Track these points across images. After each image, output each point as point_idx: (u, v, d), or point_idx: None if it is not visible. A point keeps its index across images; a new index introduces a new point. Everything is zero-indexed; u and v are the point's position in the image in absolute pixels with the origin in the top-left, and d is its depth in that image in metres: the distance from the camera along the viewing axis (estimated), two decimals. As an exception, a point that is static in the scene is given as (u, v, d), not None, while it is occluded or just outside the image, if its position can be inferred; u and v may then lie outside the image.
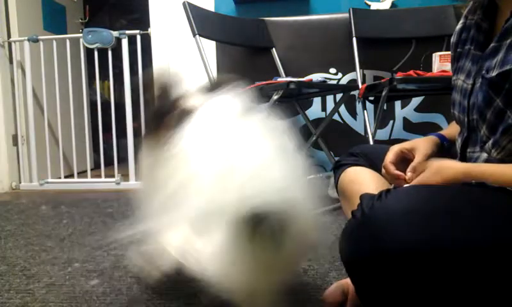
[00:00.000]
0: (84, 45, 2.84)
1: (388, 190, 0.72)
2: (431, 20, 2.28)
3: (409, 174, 0.89)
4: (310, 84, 2.05)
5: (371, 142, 1.97)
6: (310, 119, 2.29)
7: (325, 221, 1.78)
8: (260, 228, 0.63)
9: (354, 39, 2.23)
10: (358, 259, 0.72)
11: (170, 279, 1.20)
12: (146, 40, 2.78)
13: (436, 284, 0.66)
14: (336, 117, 2.38)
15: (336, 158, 1.22)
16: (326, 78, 2.32)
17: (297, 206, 0.67)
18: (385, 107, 2.27)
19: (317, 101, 2.42)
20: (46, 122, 3.00)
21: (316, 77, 2.29)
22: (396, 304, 0.71)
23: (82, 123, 3.15)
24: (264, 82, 1.85)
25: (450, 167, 0.79)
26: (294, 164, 0.67)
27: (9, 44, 2.90)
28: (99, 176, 2.94)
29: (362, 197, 0.74)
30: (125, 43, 2.79)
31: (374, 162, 1.08)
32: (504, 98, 0.75)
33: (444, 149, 0.99)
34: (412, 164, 0.91)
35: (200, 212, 0.65)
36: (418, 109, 2.37)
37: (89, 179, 2.93)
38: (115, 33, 2.79)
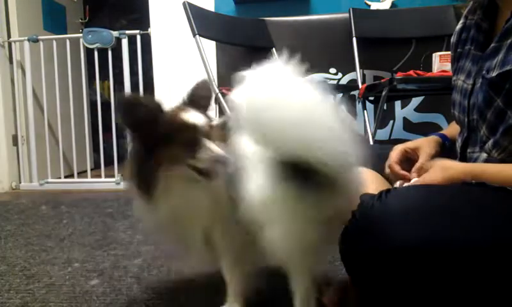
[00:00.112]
0: (84, 45, 2.84)
1: (388, 190, 0.72)
2: (431, 20, 2.28)
3: (414, 174, 0.89)
4: (310, 84, 2.05)
5: (371, 142, 1.97)
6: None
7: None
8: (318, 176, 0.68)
9: (354, 39, 2.23)
10: (358, 259, 0.72)
11: (170, 280, 1.20)
12: (146, 40, 2.78)
13: (435, 283, 0.66)
14: (336, 117, 2.38)
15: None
16: (326, 78, 2.32)
17: (350, 163, 0.71)
18: (385, 107, 2.27)
19: (317, 101, 2.42)
20: (46, 122, 3.00)
21: (316, 77, 2.30)
22: (396, 302, 0.71)
23: (82, 123, 3.15)
24: (264, 82, 1.85)
25: (451, 167, 0.79)
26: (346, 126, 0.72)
27: (9, 44, 2.90)
28: (99, 176, 2.94)
29: (362, 197, 0.74)
30: (125, 43, 2.79)
31: (373, 162, 1.08)
32: (504, 98, 0.75)
33: (446, 149, 1.00)
34: (417, 165, 0.92)
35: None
36: (418, 109, 2.37)
37: (89, 179, 2.93)
38: (115, 33, 2.79)
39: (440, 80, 1.80)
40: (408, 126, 2.38)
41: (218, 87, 2.04)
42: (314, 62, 2.65)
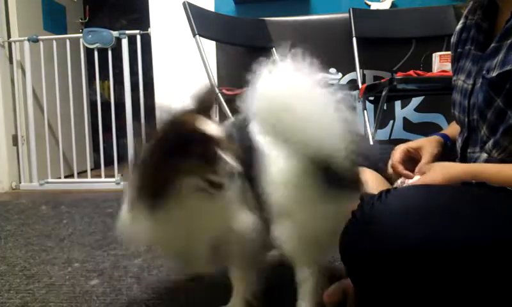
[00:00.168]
0: (84, 45, 2.84)
1: (388, 190, 0.72)
2: (431, 20, 2.28)
3: (417, 174, 0.89)
4: (310, 84, 2.05)
5: (371, 142, 1.97)
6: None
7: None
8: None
9: (354, 39, 2.23)
10: (358, 259, 0.72)
11: (170, 280, 1.20)
12: (146, 40, 2.78)
13: (435, 283, 0.66)
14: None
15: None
16: (325, 78, 2.32)
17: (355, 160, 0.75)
18: (385, 107, 2.27)
19: (317, 101, 2.42)
20: (46, 122, 3.00)
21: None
22: (396, 302, 0.71)
23: (82, 123, 3.15)
24: (264, 82, 1.85)
25: (451, 167, 0.80)
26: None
27: (9, 44, 2.90)
28: (99, 176, 2.94)
29: (362, 197, 0.74)
30: (125, 43, 2.79)
31: (373, 162, 1.08)
32: (504, 98, 0.76)
33: (447, 149, 1.00)
34: (420, 164, 0.92)
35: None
36: (418, 109, 2.37)
37: (89, 179, 2.93)
38: (115, 33, 2.79)
39: (439, 80, 1.80)
40: (408, 126, 2.38)
41: (218, 87, 2.04)
42: (314, 63, 2.64)
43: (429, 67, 2.02)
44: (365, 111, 2.07)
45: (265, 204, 0.81)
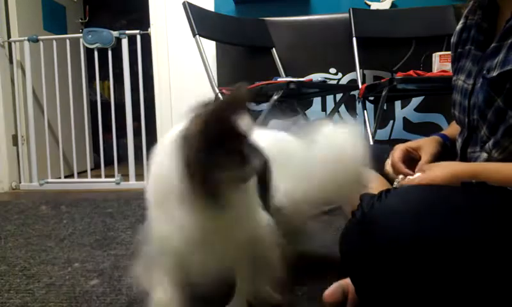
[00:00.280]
0: (84, 45, 2.84)
1: (388, 190, 0.72)
2: (431, 20, 2.28)
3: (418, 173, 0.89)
4: (310, 84, 2.05)
5: (371, 142, 1.97)
6: (310, 119, 2.29)
7: (325, 221, 1.78)
8: None
9: (354, 39, 2.23)
10: (358, 259, 0.72)
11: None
12: (146, 40, 2.78)
13: (435, 282, 0.66)
14: (336, 117, 2.38)
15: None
16: (326, 78, 2.32)
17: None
18: (385, 107, 2.27)
19: (317, 101, 2.42)
20: (46, 122, 3.00)
21: (316, 77, 2.29)
22: (396, 302, 0.71)
23: (82, 123, 3.15)
24: (264, 82, 1.85)
25: (452, 166, 0.80)
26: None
27: (9, 44, 2.90)
28: (99, 176, 2.94)
29: (362, 197, 0.74)
30: (125, 43, 2.79)
31: (373, 162, 1.08)
32: (504, 98, 0.76)
33: (447, 149, 1.00)
34: (420, 164, 0.92)
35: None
36: (418, 109, 2.37)
37: (89, 179, 2.93)
38: (115, 33, 2.79)
39: (439, 80, 1.80)
40: (408, 126, 2.38)
41: (218, 87, 2.04)
42: (314, 63, 2.67)
43: (429, 67, 2.02)
44: (365, 111, 2.07)
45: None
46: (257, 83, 1.85)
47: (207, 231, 0.76)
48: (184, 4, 2.04)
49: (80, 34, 2.87)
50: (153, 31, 2.75)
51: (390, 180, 0.98)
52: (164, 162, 0.77)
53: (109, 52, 2.83)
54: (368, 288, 0.75)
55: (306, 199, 0.96)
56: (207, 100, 0.79)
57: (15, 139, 2.95)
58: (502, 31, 0.79)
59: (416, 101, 2.36)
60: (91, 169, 3.02)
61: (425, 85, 1.98)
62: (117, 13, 4.57)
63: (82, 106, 3.03)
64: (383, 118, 2.25)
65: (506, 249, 0.67)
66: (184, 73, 2.69)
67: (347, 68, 2.34)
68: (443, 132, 1.04)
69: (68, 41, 2.90)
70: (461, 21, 0.96)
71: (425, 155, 0.94)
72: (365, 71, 2.35)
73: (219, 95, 1.92)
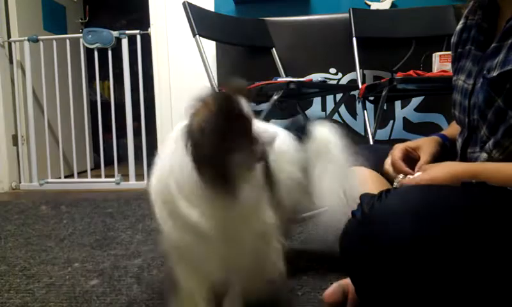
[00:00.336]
0: (84, 45, 2.84)
1: (388, 190, 0.72)
2: (431, 20, 2.27)
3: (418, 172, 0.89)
4: (310, 84, 2.05)
5: (371, 142, 1.97)
6: (310, 119, 2.29)
7: (325, 221, 1.78)
8: None
9: (354, 39, 2.23)
10: (358, 259, 0.72)
11: (169, 280, 1.20)
12: (146, 40, 2.78)
13: (436, 282, 0.66)
14: (336, 117, 2.38)
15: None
16: (326, 78, 2.32)
17: None
18: (385, 107, 2.27)
19: (317, 101, 2.42)
20: (46, 122, 3.01)
21: (316, 77, 2.29)
22: (396, 302, 0.71)
23: (82, 123, 3.15)
24: (264, 82, 1.85)
25: (453, 165, 0.80)
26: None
27: (9, 44, 2.90)
28: (99, 176, 2.94)
29: (362, 197, 0.74)
30: (125, 43, 2.79)
31: (374, 162, 1.08)
32: (504, 98, 0.76)
33: (446, 149, 1.00)
34: (419, 163, 0.92)
35: None
36: (418, 109, 2.37)
37: (89, 179, 2.93)
38: (115, 33, 2.79)
39: (439, 80, 1.80)
40: (408, 126, 2.38)
41: (218, 87, 2.04)
42: (314, 63, 2.66)
43: (429, 67, 2.02)
44: (365, 111, 2.07)
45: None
46: (257, 83, 1.84)
47: (221, 222, 0.76)
48: (183, 4, 2.04)
49: (80, 34, 2.87)
50: (153, 31, 2.75)
51: (390, 180, 0.98)
52: (176, 154, 0.75)
53: (109, 52, 2.83)
54: (368, 288, 0.75)
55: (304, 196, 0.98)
56: (206, 93, 0.78)
57: (15, 139, 2.95)
58: (502, 31, 0.79)
59: (416, 101, 2.36)
60: (91, 169, 3.02)
61: (425, 85, 1.98)
62: (117, 13, 4.57)
63: (82, 106, 3.03)
64: (383, 118, 2.25)
65: (506, 249, 0.67)
66: (183, 73, 2.69)
67: (347, 68, 2.34)
68: (442, 132, 1.04)
69: (68, 41, 2.91)
70: (461, 21, 0.96)
71: (424, 155, 0.94)
72: (365, 71, 2.35)
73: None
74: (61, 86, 2.90)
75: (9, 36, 2.90)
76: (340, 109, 2.38)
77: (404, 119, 2.39)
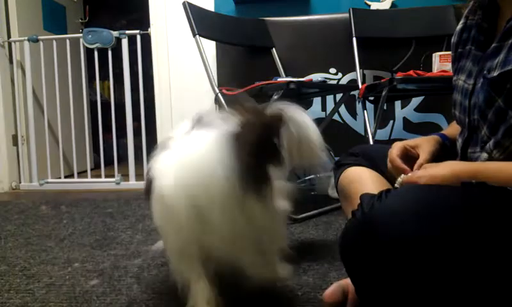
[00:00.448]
0: (84, 45, 2.84)
1: (388, 190, 0.72)
2: (431, 20, 2.27)
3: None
4: (310, 84, 2.05)
5: (371, 142, 1.97)
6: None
7: (325, 221, 1.78)
8: None
9: (354, 39, 2.23)
10: (358, 259, 0.72)
11: (169, 280, 1.20)
12: (146, 40, 2.78)
13: (436, 283, 0.66)
14: (336, 117, 2.38)
15: (336, 158, 1.22)
16: (326, 78, 2.32)
17: None
18: (385, 107, 2.27)
19: (317, 101, 2.42)
20: (46, 122, 3.01)
21: (316, 77, 2.29)
22: (396, 302, 0.71)
23: (82, 123, 3.15)
24: (264, 82, 1.85)
25: (455, 164, 0.80)
26: None
27: (9, 44, 2.90)
28: (99, 176, 2.94)
29: (362, 197, 0.74)
30: (125, 43, 2.79)
31: (374, 162, 1.08)
32: (505, 98, 0.76)
33: (446, 148, 1.00)
34: (419, 161, 0.92)
35: None
36: (418, 109, 2.37)
37: (89, 179, 2.93)
38: (115, 33, 2.79)
39: (439, 80, 1.80)
40: (408, 126, 2.38)
41: (218, 87, 2.04)
42: (314, 63, 2.66)
43: (429, 67, 2.02)
44: (365, 111, 2.07)
45: None
46: (257, 83, 1.84)
47: (248, 221, 0.82)
48: (183, 4, 2.04)
49: (80, 34, 2.87)
50: (153, 31, 2.75)
51: (390, 180, 0.98)
52: (213, 159, 0.80)
53: (109, 52, 2.84)
54: (368, 288, 0.75)
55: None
56: (245, 104, 0.89)
57: (15, 139, 2.95)
58: (503, 31, 0.79)
59: (416, 101, 2.36)
60: (91, 169, 3.02)
61: (425, 85, 1.98)
62: (117, 13, 4.57)
63: (82, 106, 3.03)
64: (383, 118, 2.25)
65: (506, 249, 0.67)
66: (183, 73, 2.69)
67: (347, 68, 2.34)
68: (442, 132, 1.04)
69: (68, 41, 2.91)
70: (462, 21, 0.96)
71: (423, 154, 0.94)
72: (365, 71, 2.35)
73: (219, 95, 1.91)
74: (61, 86, 2.90)
75: (9, 36, 2.90)
76: (340, 109, 2.38)
77: (404, 119, 2.39)
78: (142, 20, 3.19)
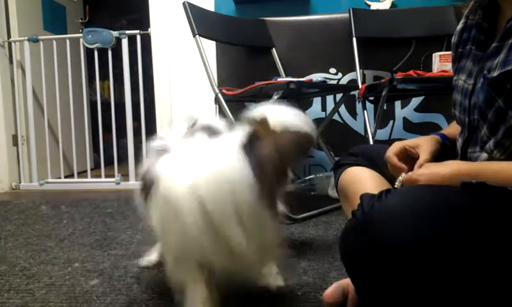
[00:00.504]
0: (84, 45, 2.84)
1: (388, 190, 0.72)
2: (431, 20, 2.27)
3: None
4: (310, 84, 2.05)
5: (371, 142, 1.97)
6: (310, 119, 2.29)
7: (325, 221, 1.78)
8: None
9: (354, 39, 2.23)
10: (358, 259, 0.72)
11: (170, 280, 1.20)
12: (146, 40, 2.78)
13: (436, 283, 0.66)
14: (336, 117, 2.38)
15: (336, 158, 1.22)
16: (326, 78, 2.31)
17: None
18: (385, 107, 2.27)
19: (317, 101, 2.42)
20: (46, 122, 3.01)
21: (316, 77, 2.29)
22: (396, 302, 0.71)
23: (82, 123, 3.15)
24: (264, 82, 1.85)
25: (455, 163, 0.80)
26: None
27: (9, 44, 2.90)
28: (99, 176, 2.94)
29: (362, 197, 0.74)
30: (125, 43, 2.79)
31: (374, 162, 1.08)
32: (505, 98, 0.76)
33: (446, 148, 1.00)
34: (419, 161, 0.92)
35: None
36: (418, 109, 2.37)
37: (89, 179, 2.93)
38: (115, 33, 2.79)
39: (439, 80, 1.80)
40: (408, 126, 2.38)
41: (218, 87, 2.04)
42: (314, 63, 2.66)
43: (429, 67, 2.02)
44: (365, 111, 2.07)
45: None
46: (257, 83, 1.84)
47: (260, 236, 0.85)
48: (184, 4, 2.04)
49: (80, 34, 2.87)
50: (153, 31, 2.75)
51: (390, 180, 0.98)
52: (233, 170, 0.80)
53: (109, 52, 2.84)
54: (368, 288, 0.74)
55: None
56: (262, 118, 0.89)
57: (15, 139, 2.95)
58: (503, 31, 0.79)
59: (416, 101, 2.36)
60: (91, 169, 3.02)
61: (425, 85, 1.98)
62: (117, 13, 4.57)
63: (82, 106, 3.03)
64: (383, 118, 2.25)
65: (506, 249, 0.67)
66: (183, 73, 2.69)
67: (347, 68, 2.34)
68: (442, 132, 1.04)
69: (68, 41, 2.91)
70: (462, 21, 0.96)
71: (423, 154, 0.94)
72: (365, 71, 2.35)
73: (219, 95, 1.91)
74: (61, 86, 2.90)
75: (9, 36, 2.90)
76: (340, 109, 2.38)
77: (404, 119, 2.39)
78: (142, 20, 3.20)
